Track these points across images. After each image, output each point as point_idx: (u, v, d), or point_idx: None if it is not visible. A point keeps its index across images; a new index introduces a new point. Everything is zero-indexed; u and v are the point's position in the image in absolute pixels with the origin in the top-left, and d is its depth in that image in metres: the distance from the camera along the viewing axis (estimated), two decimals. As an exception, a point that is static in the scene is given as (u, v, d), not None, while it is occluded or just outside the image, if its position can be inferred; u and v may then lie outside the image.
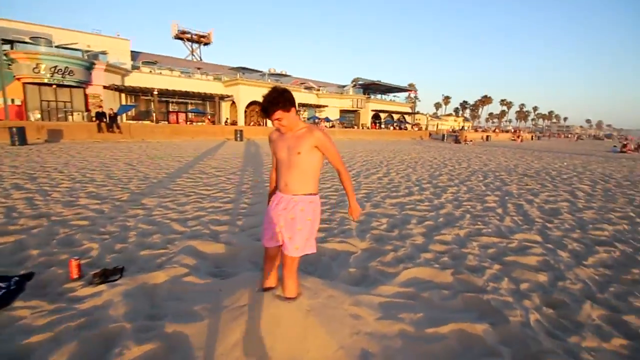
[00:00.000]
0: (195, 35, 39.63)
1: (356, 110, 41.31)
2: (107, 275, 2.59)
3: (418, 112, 55.69)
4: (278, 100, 1.88)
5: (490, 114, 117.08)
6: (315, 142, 1.97)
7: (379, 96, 46.34)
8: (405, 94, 50.02)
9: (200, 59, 40.50)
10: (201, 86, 29.73)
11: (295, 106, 1.98)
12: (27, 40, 21.39)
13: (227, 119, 31.74)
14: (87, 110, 23.92)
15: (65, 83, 22.28)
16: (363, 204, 5.32)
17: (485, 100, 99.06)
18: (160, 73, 28.55)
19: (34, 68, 20.48)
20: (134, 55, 28.72)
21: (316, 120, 35.35)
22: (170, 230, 3.80)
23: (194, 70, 31.93)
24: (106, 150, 13.21)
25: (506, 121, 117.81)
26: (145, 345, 1.80)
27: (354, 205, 2.14)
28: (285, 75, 36.46)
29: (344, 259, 3.13)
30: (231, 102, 31.87)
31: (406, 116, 48.86)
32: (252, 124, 32.29)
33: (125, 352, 1.74)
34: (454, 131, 42.40)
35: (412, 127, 45.83)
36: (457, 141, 31.12)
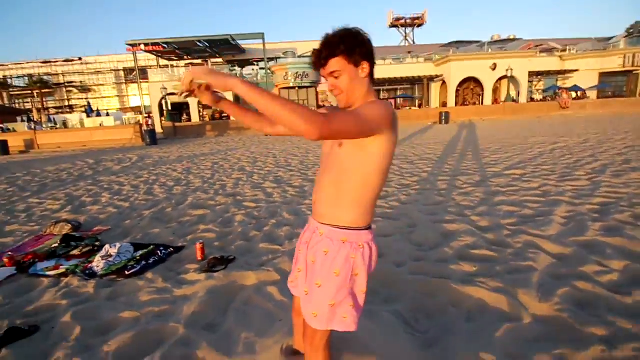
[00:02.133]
0: (409, 19, 39.35)
1: (631, 72, 28.17)
2: (214, 265, 2.70)
3: None
4: (341, 40, 1.06)
5: None
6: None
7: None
8: None
9: (413, 42, 39.99)
10: (411, 70, 29.33)
11: (370, 61, 1.11)
12: (281, 55, 28.30)
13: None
14: (317, 104, 29.15)
15: (303, 85, 27.96)
16: (604, 247, 3.23)
17: None
18: (375, 64, 30.43)
19: (284, 76, 26.89)
20: (353, 51, 32.04)
21: (556, 91, 26.97)
22: (305, 222, 3.67)
23: (404, 55, 31.93)
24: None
25: None
26: (165, 365, 1.61)
27: (232, 77, 0.97)
28: (513, 40, 29.80)
29: (487, 325, 1.85)
30: (441, 82, 29.65)
31: None
32: (465, 104, 28.83)
33: (146, 366, 1.61)
34: None
35: None
36: None
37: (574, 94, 25.84)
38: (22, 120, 23.60)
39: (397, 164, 7.14)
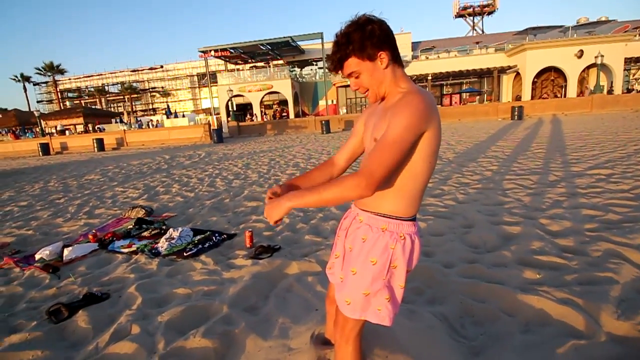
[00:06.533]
0: (478, 7, 36.37)
1: None
2: (261, 252, 2.81)
3: None
4: (350, 37, 1.01)
5: None
6: (390, 115, 1.01)
7: None
8: None
9: (482, 32, 36.90)
10: (478, 62, 27.17)
11: (387, 48, 1.03)
12: (340, 53, 28.42)
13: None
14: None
15: (361, 82, 27.72)
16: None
17: None
18: (438, 57, 28.86)
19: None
20: (414, 46, 30.77)
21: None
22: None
23: (471, 46, 29.68)
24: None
25: None
26: (207, 339, 1.72)
27: (283, 199, 1.04)
28: (604, 22, 25.75)
29: (547, 339, 1.62)
30: (515, 73, 26.92)
31: None
32: (543, 96, 25.80)
33: (190, 338, 1.74)
34: None
35: None
36: None
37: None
38: (116, 122, 27.37)
39: (457, 162, 6.67)
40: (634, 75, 26.78)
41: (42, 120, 24.46)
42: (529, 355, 1.52)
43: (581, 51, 23.54)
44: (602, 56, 20.48)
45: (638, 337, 1.57)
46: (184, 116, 27.37)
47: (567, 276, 2.15)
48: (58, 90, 39.25)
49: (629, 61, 24.44)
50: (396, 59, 1.07)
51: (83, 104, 40.05)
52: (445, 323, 1.80)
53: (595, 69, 22.56)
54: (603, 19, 25.96)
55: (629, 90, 23.61)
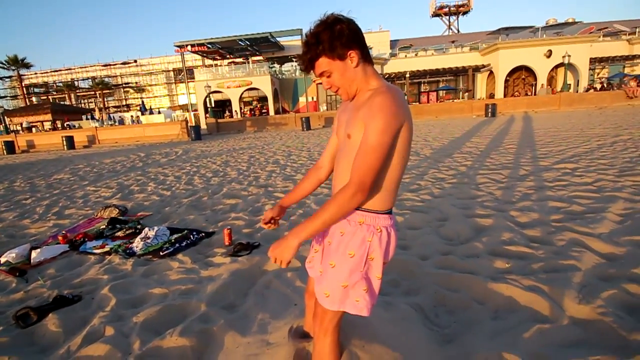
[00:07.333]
0: (454, 6, 37.32)
1: None
2: (239, 250, 2.79)
3: None
4: (320, 37, 1.03)
5: None
6: (362, 114, 1.04)
7: None
8: None
9: (458, 31, 37.89)
10: (454, 60, 27.88)
11: (356, 47, 1.06)
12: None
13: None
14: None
15: (341, 79, 27.79)
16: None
17: None
18: (415, 55, 29.36)
19: (322, 71, 26.92)
20: (392, 44, 31.19)
21: (622, 79, 24.10)
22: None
23: (447, 45, 30.40)
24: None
25: None
26: (184, 338, 1.70)
27: (289, 238, 1.06)
28: (571, 24, 27.03)
29: (515, 324, 1.71)
30: (488, 72, 27.81)
31: None
32: (514, 94, 26.81)
33: (167, 337, 1.72)
34: None
35: None
36: None
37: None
38: (87, 119, 26.14)
39: (434, 158, 6.85)
40: (598, 74, 28.29)
41: (6, 117, 23.05)
42: (497, 340, 1.60)
43: (550, 51, 24.62)
44: (569, 56, 21.53)
45: (597, 320, 1.68)
46: (159, 112, 26.55)
47: (534, 264, 2.27)
48: (23, 85, 37.05)
49: (593, 61, 25.79)
50: (366, 57, 1.09)
51: (51, 100, 38.01)
52: (420, 313, 1.86)
53: (563, 69, 23.68)
54: (570, 20, 27.28)
55: (587, 89, 24.85)
